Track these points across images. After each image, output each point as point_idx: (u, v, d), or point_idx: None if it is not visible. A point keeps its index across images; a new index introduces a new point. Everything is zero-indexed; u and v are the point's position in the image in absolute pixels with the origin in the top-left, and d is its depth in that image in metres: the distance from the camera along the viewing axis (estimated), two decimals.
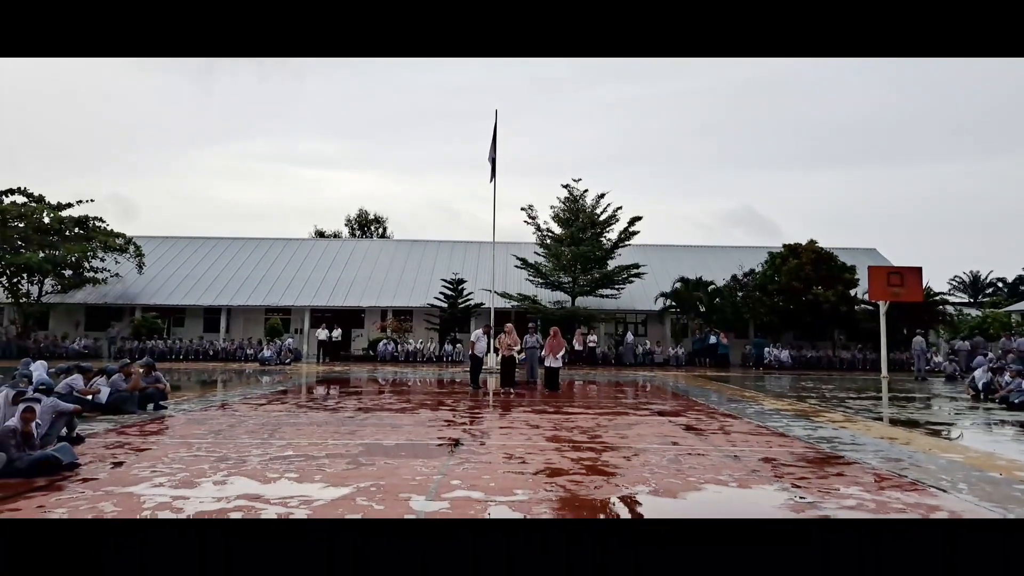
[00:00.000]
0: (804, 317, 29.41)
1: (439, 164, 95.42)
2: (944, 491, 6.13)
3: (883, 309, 23.85)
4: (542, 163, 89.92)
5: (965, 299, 57.90)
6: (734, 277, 31.75)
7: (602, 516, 5.33)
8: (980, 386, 15.93)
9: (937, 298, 31.16)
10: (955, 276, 62.72)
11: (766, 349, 29.83)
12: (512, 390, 15.31)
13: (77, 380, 10.89)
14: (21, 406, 6.61)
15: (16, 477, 6.09)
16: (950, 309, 32.98)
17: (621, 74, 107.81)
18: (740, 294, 30.95)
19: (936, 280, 74.21)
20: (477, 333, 16.87)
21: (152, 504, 5.33)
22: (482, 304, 30.09)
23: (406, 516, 5.14)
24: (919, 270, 24.24)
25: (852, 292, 29.76)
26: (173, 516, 5.06)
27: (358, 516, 5.13)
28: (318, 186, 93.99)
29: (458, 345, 29.92)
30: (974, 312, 39.30)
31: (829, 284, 28.97)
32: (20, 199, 30.23)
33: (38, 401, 6.98)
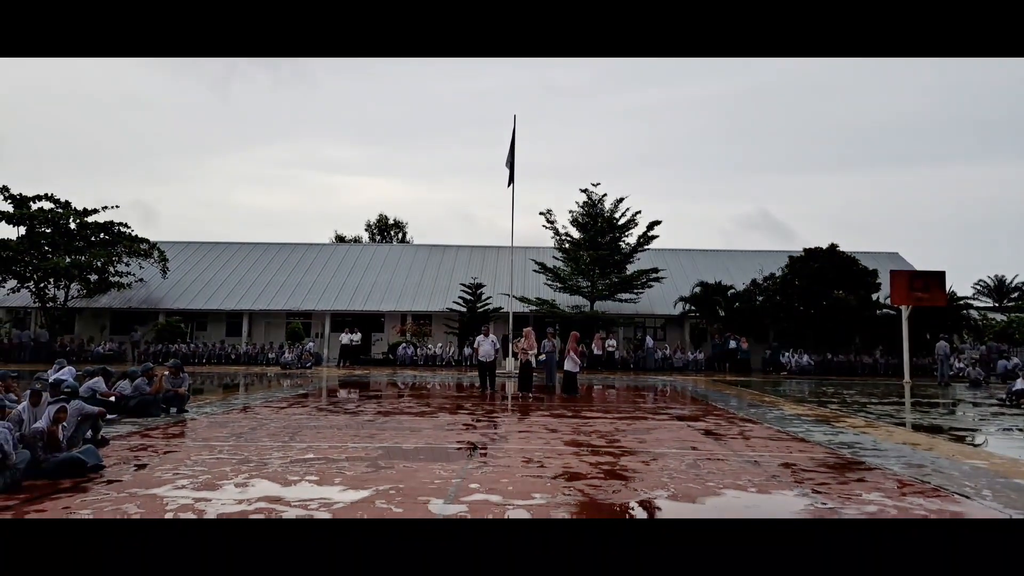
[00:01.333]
0: (825, 322, 29.12)
1: (457, 169, 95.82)
2: (968, 498, 6.07)
3: (905, 314, 23.59)
4: (559, 168, 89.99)
5: (990, 303, 57.04)
6: (754, 281, 31.52)
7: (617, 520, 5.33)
8: (1006, 392, 15.71)
9: (961, 302, 30.73)
10: (979, 280, 61.84)
11: (785, 354, 29.62)
12: (530, 394, 15.31)
13: (99, 383, 11.07)
14: (52, 407, 6.73)
15: (42, 478, 6.21)
16: (974, 314, 32.49)
17: (637, 79, 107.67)
18: (760, 298, 30.71)
19: (960, 284, 73.29)
20: (479, 339, 16.72)
21: (175, 506, 5.40)
22: (500, 308, 30.12)
23: (409, 517, 5.17)
24: (942, 274, 23.96)
25: (874, 296, 29.45)
26: (173, 516, 5.13)
27: (362, 517, 5.17)
28: (337, 191, 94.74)
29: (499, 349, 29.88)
30: (999, 316, 38.69)
31: (850, 288, 28.67)
32: (47, 205, 30.74)
33: (67, 402, 7.11)
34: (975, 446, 9.69)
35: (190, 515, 5.17)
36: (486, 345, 16.40)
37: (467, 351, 29.93)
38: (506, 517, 5.26)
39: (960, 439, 10.13)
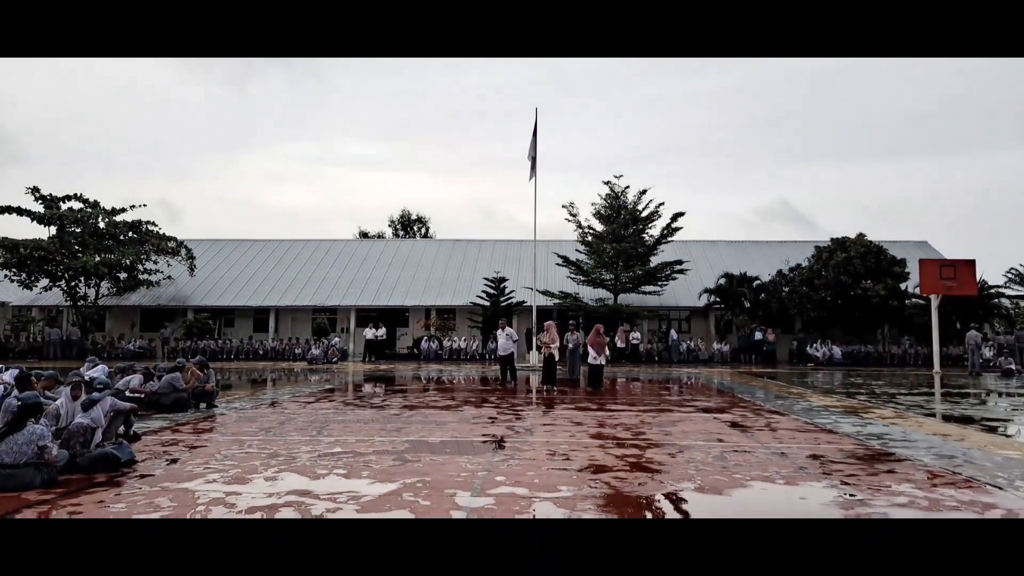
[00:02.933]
0: (853, 312, 28.76)
1: (478, 164, 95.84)
2: (1000, 488, 5.98)
3: (935, 303, 23.24)
4: (581, 161, 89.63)
5: (1022, 291, 55.88)
6: (780, 272, 31.19)
7: (648, 514, 5.34)
8: None
9: (992, 291, 30.18)
10: (1011, 268, 60.61)
11: (812, 345, 29.36)
12: (554, 388, 15.33)
13: (133, 380, 11.28)
14: (101, 405, 6.95)
15: (78, 473, 6.35)
16: (1006, 302, 31.88)
17: (656, 70, 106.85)
18: (786, 289, 30.38)
19: (991, 272, 71.86)
20: (497, 333, 17.33)
21: (206, 499, 5.49)
22: (524, 302, 30.15)
23: (390, 516, 5.21)
24: (973, 262, 23.56)
25: (903, 286, 29.04)
26: (170, 517, 5.21)
27: (367, 516, 5.22)
28: (360, 187, 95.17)
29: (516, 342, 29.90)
30: None
31: (879, 278, 28.30)
32: (77, 205, 31.25)
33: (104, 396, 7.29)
34: (1007, 436, 9.54)
35: (221, 508, 5.26)
36: (503, 339, 16.65)
37: (491, 345, 29.97)
38: (509, 517, 5.27)
39: (992, 430, 9.97)
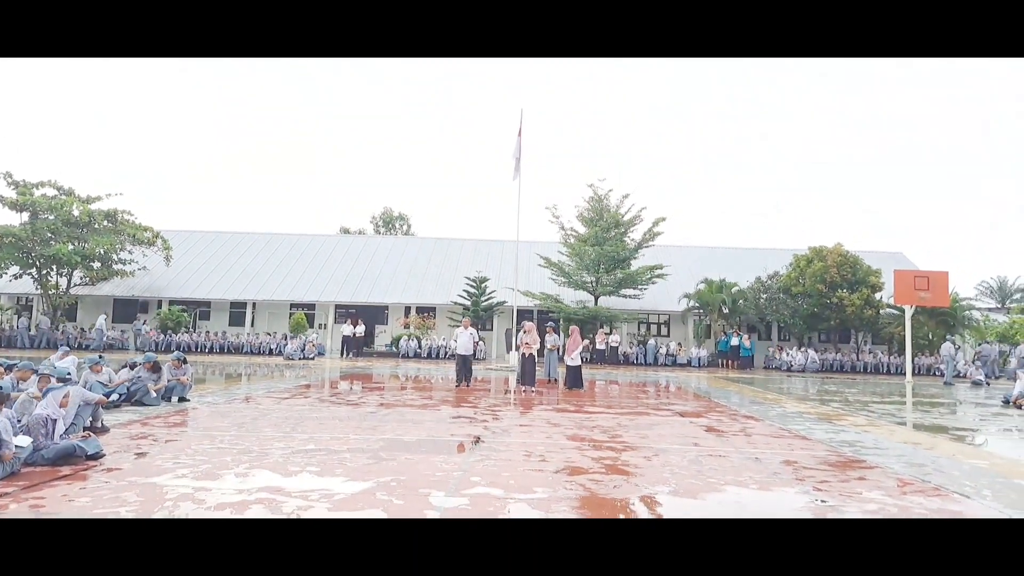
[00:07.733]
0: (828, 320, 29.13)
1: (462, 162, 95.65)
2: (967, 497, 6.06)
3: (909, 313, 23.55)
4: (564, 163, 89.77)
5: (992, 304, 56.92)
6: (758, 279, 31.49)
7: (621, 515, 5.33)
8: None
9: (964, 303, 30.74)
10: (982, 281, 61.75)
11: (788, 351, 29.66)
12: (532, 388, 15.32)
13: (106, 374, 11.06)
14: (57, 392, 6.76)
15: (42, 465, 6.22)
16: (976, 314, 32.46)
17: (643, 72, 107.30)
18: (764, 296, 30.67)
19: (963, 285, 73.07)
20: (458, 331, 16.82)
21: (174, 495, 5.40)
22: (504, 302, 30.11)
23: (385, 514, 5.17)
24: (946, 274, 23.90)
25: (878, 296, 29.42)
26: (136, 511, 5.13)
27: (356, 516, 5.17)
28: (343, 182, 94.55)
29: (480, 343, 29.86)
30: (1001, 318, 38.55)
31: (854, 288, 28.67)
32: (51, 191, 30.65)
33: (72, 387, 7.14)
34: (976, 446, 9.67)
35: (190, 504, 5.17)
36: (464, 338, 16.43)
37: (452, 343, 29.81)
38: (492, 517, 5.24)
39: (961, 439, 10.11)
